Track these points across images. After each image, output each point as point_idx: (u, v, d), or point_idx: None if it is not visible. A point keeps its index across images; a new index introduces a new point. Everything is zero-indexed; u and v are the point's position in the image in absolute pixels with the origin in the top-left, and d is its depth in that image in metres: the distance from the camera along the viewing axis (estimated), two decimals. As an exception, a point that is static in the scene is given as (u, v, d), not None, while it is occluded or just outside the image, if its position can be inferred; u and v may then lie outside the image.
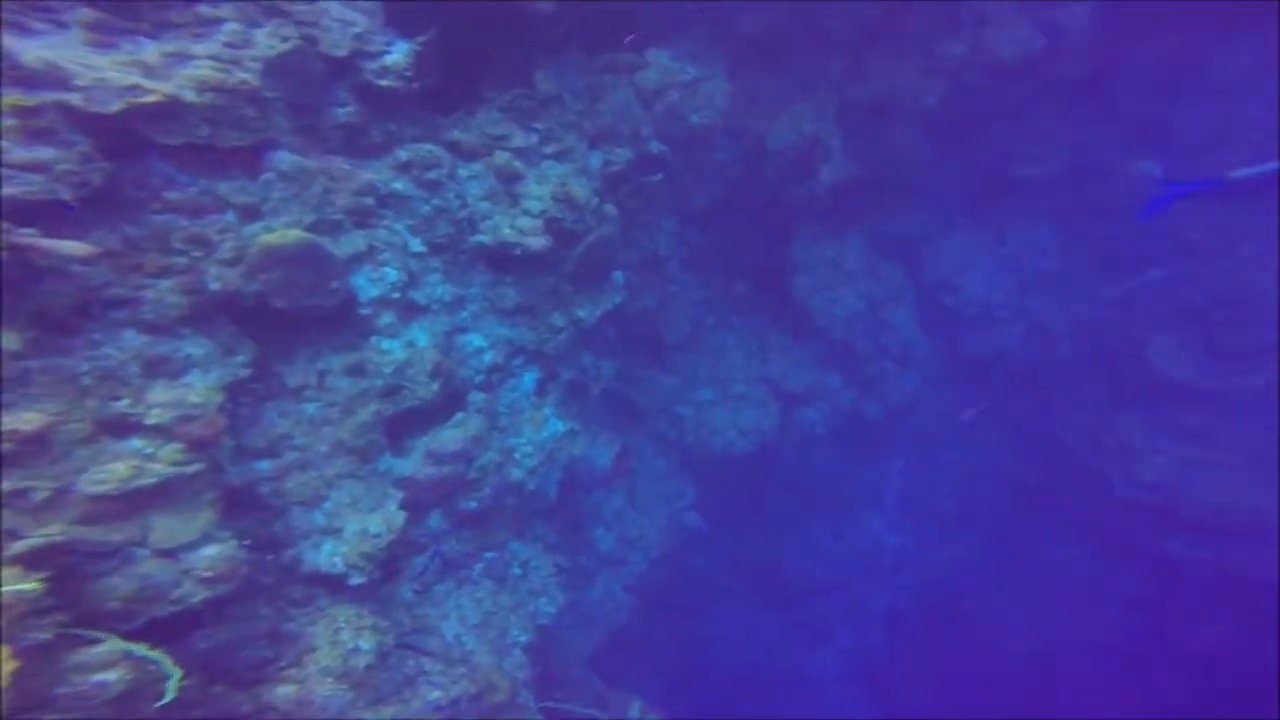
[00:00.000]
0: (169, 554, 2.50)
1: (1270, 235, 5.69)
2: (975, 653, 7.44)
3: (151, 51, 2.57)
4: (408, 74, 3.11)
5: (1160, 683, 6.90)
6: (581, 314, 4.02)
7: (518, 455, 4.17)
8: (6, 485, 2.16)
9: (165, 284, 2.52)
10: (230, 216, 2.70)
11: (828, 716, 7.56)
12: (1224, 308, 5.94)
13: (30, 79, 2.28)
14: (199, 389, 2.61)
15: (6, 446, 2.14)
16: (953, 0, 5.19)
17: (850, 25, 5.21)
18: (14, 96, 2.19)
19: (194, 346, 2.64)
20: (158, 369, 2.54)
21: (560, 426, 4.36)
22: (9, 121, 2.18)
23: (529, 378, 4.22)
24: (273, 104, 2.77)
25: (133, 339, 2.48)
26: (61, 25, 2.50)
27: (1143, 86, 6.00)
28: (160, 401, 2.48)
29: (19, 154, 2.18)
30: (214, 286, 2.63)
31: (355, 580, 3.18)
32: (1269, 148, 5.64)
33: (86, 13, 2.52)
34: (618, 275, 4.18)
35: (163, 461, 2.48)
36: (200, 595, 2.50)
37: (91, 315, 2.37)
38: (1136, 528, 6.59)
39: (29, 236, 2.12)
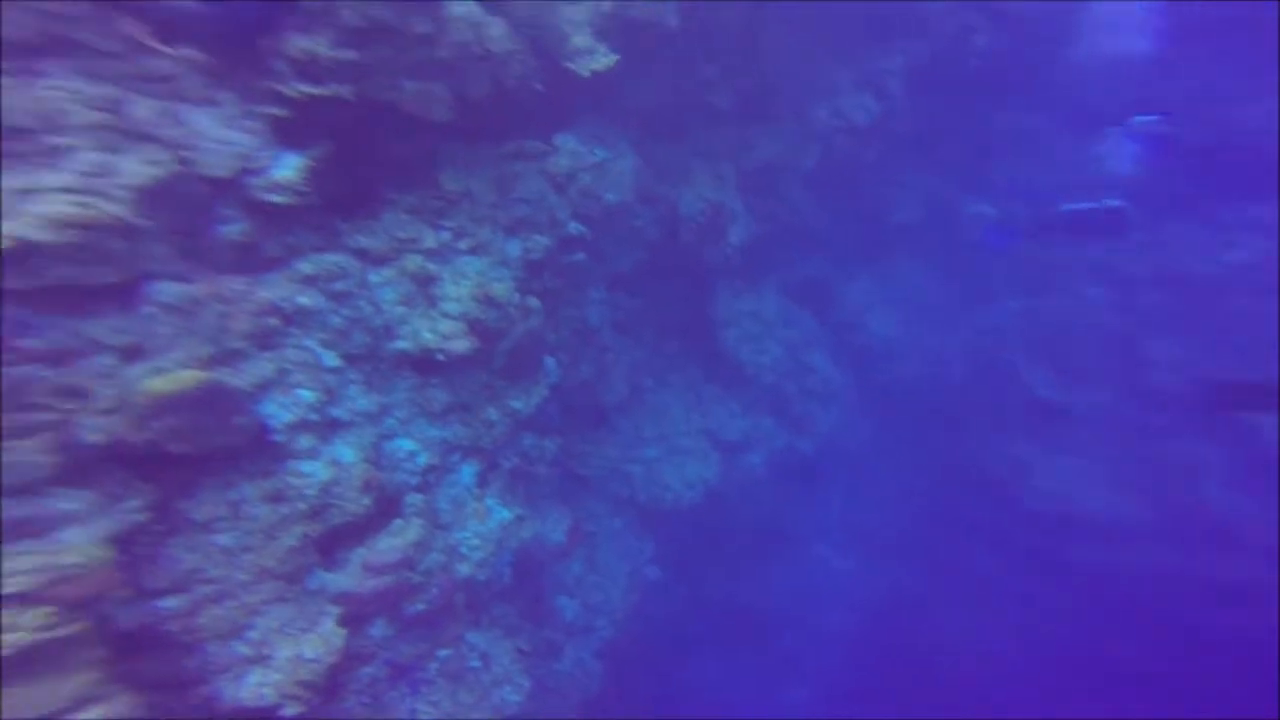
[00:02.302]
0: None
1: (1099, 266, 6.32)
2: (932, 665, 7.44)
3: None
4: (300, 189, 2.85)
5: (1093, 681, 7.10)
6: (516, 405, 3.77)
7: (464, 550, 3.81)
8: None
9: (28, 444, 2.10)
10: (108, 359, 2.31)
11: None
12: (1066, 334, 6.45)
13: None
14: (79, 548, 2.17)
15: None
16: (809, 77, 5.57)
17: (731, 99, 5.42)
18: None
19: (68, 502, 2.19)
20: (21, 531, 2.09)
21: (506, 514, 4.04)
22: None
23: (467, 471, 3.90)
24: (147, 233, 2.43)
25: None
26: None
27: (962, 143, 6.66)
28: (21, 569, 2.03)
29: None
30: (91, 439, 2.22)
31: (291, 710, 2.72)
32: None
33: None
34: (549, 361, 3.97)
35: (22, 630, 2.01)
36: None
37: None
38: (1047, 537, 6.86)
39: None
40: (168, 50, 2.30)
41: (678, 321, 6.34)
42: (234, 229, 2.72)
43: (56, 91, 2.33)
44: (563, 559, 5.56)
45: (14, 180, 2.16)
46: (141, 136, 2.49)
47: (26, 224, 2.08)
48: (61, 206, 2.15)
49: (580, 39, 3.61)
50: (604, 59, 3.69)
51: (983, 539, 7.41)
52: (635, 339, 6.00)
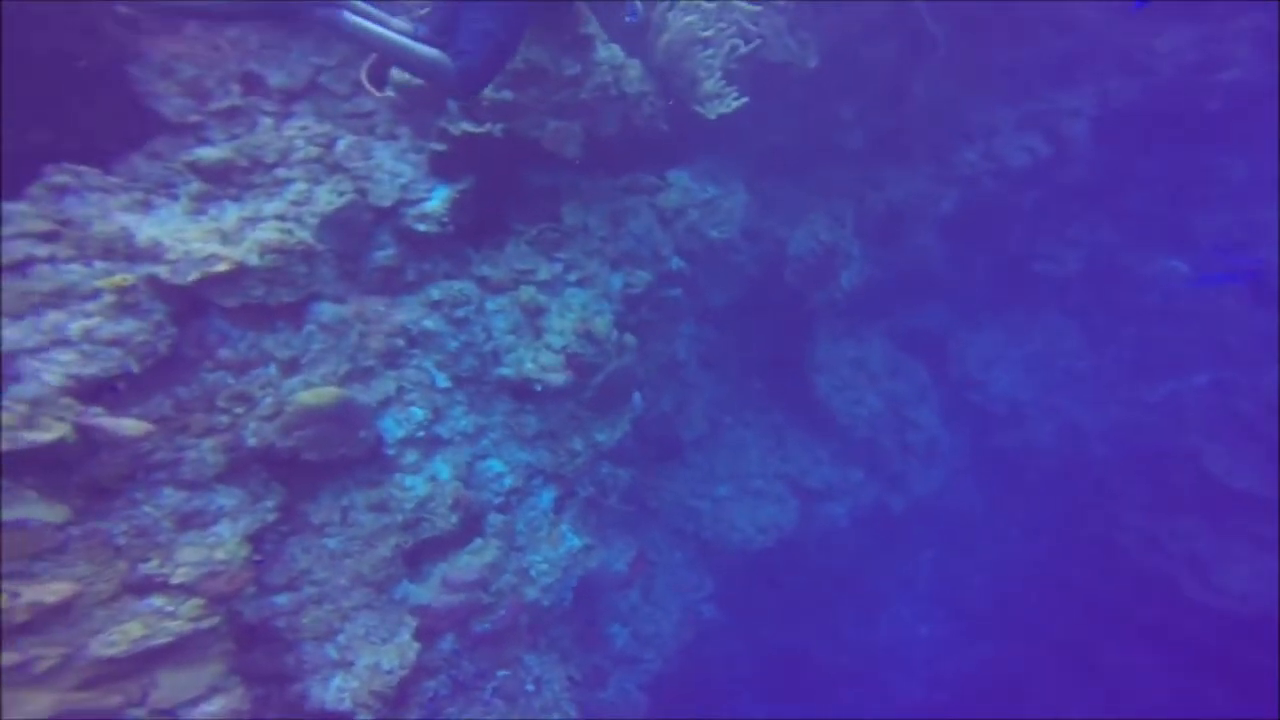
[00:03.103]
0: (168, 713, 2.51)
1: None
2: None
3: (231, 216, 2.82)
4: (444, 220, 3.30)
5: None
6: (600, 438, 4.10)
7: (533, 573, 4.19)
8: (7, 659, 2.18)
9: (207, 443, 2.64)
10: (272, 370, 2.84)
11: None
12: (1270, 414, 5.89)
13: (138, 255, 2.53)
14: (226, 545, 2.69)
15: (21, 618, 2.19)
16: (962, 116, 5.46)
17: (864, 139, 5.47)
18: (119, 277, 2.39)
19: (226, 498, 2.74)
20: (190, 523, 2.62)
21: (576, 542, 4.39)
22: (109, 298, 2.36)
23: (546, 496, 4.28)
24: (322, 256, 2.97)
25: (170, 496, 2.57)
26: (174, 198, 2.76)
27: (1155, 192, 6.18)
28: (187, 560, 2.55)
29: (107, 329, 2.35)
30: (251, 442, 2.74)
31: (362, 718, 3.15)
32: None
33: (196, 186, 2.81)
34: (636, 397, 4.27)
35: (181, 619, 2.53)
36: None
37: (136, 480, 2.47)
38: (1228, 637, 6.34)
39: (95, 416, 2.25)
40: (375, 93, 2.80)
41: (768, 360, 6.45)
42: (385, 254, 3.23)
43: (296, 131, 2.91)
44: (623, 588, 5.86)
45: (244, 209, 2.74)
46: (337, 168, 3.05)
47: (247, 249, 2.62)
48: (271, 233, 2.69)
49: (711, 84, 3.86)
50: (732, 103, 3.92)
51: (1126, 629, 6.98)
52: (720, 374, 6.19)
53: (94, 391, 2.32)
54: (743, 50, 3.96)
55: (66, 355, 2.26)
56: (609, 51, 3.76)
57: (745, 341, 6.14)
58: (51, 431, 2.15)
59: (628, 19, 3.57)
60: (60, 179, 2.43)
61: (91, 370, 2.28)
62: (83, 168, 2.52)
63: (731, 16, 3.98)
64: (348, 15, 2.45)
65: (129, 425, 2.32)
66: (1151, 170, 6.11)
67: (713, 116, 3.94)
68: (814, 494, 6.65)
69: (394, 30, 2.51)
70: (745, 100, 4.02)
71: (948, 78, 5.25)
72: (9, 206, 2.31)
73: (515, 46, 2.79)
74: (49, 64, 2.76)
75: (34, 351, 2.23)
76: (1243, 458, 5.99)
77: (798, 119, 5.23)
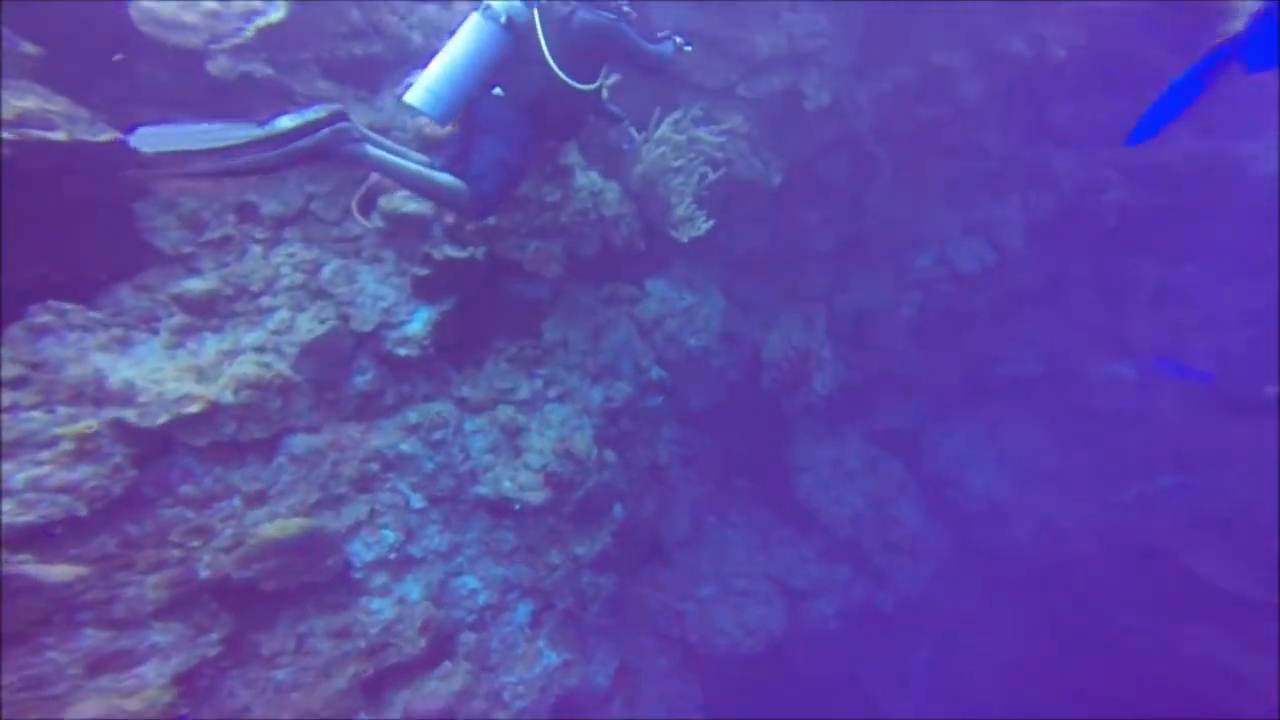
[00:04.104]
0: None
1: (1265, 449, 5.77)
2: None
3: (210, 350, 2.79)
4: (425, 343, 3.33)
5: None
6: (580, 550, 3.97)
7: (506, 696, 3.92)
8: None
9: (152, 579, 2.50)
10: (236, 502, 2.75)
11: None
12: (1246, 516, 5.88)
13: (108, 398, 2.47)
14: (146, 690, 2.45)
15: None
16: (913, 223, 5.78)
17: (831, 242, 5.73)
18: (81, 425, 2.33)
19: (161, 635, 2.55)
20: (105, 667, 2.41)
21: (554, 659, 4.15)
22: (66, 445, 2.29)
23: (523, 610, 4.08)
24: (299, 388, 2.93)
25: (89, 638, 2.38)
26: (155, 332, 2.75)
27: (1089, 294, 6.49)
28: (83, 715, 2.32)
29: (57, 477, 2.27)
30: (204, 575, 2.60)
31: None
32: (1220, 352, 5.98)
33: (178, 319, 2.80)
34: (617, 508, 4.18)
35: None
36: None
37: (52, 623, 2.30)
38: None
39: (19, 564, 2.13)
40: (364, 222, 2.87)
41: (749, 459, 6.42)
42: (364, 379, 3.22)
43: (284, 258, 2.95)
44: (605, 703, 5.50)
45: (223, 342, 2.72)
46: (320, 293, 3.08)
47: (222, 386, 2.59)
48: (248, 368, 2.67)
49: (682, 209, 4.05)
50: (702, 226, 4.11)
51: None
52: (702, 473, 6.12)
53: (26, 537, 2.20)
54: (711, 178, 4.19)
55: (4, 505, 2.15)
56: (588, 178, 3.95)
57: (727, 442, 6.13)
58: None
59: (625, 147, 3.75)
60: (43, 319, 2.43)
61: (27, 518, 2.17)
62: (67, 305, 2.52)
63: (699, 147, 4.24)
64: (370, 149, 2.58)
65: (57, 571, 2.19)
66: (1082, 274, 6.46)
67: (684, 240, 4.12)
68: (800, 593, 6.45)
69: (412, 161, 2.65)
70: (713, 223, 4.21)
71: (898, 189, 5.59)
72: (-17, 350, 2.28)
73: (525, 173, 2.99)
74: (68, 207, 2.82)
75: (-37, 503, 2.12)
76: (1223, 558, 5.92)
77: (768, 226, 5.49)
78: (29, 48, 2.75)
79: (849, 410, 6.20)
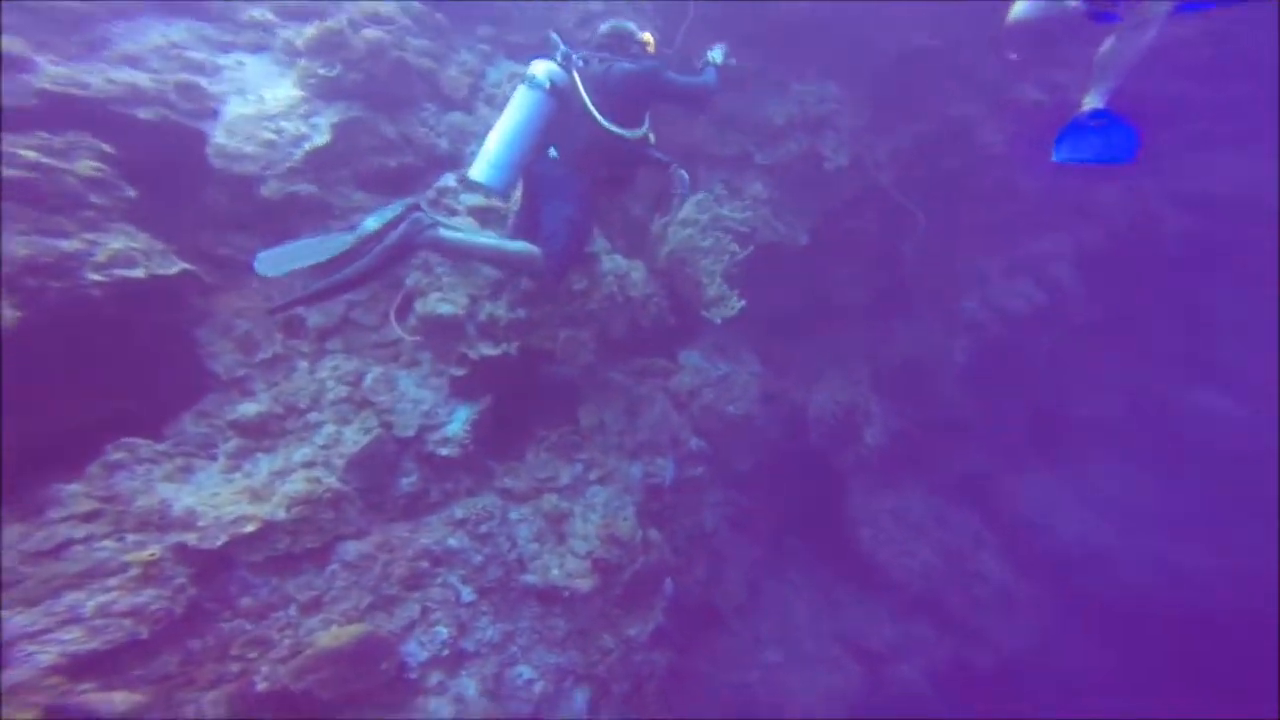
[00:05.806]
0: None
1: None
2: None
3: (263, 471, 2.92)
4: (465, 441, 3.38)
5: None
6: (632, 632, 3.82)
7: (568, 792, 3.74)
8: None
9: (210, 696, 2.54)
10: (293, 611, 2.81)
11: None
12: None
13: (171, 525, 2.60)
14: None
15: None
16: (952, 268, 5.51)
17: (866, 294, 5.52)
18: (148, 552, 2.46)
19: None
20: None
21: (614, 749, 3.95)
22: (134, 571, 2.43)
23: (579, 697, 3.92)
24: (348, 497, 3.01)
25: None
26: (214, 458, 2.92)
27: (1171, 324, 5.95)
28: None
29: (123, 603, 2.39)
30: (261, 687, 2.64)
31: None
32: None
33: (234, 443, 2.96)
34: (667, 583, 4.02)
35: None
36: None
37: None
38: None
39: (81, 693, 2.20)
40: (403, 333, 3.00)
41: (801, 517, 6.10)
42: (409, 480, 3.27)
43: (328, 372, 3.10)
44: (670, 787, 5.16)
45: (275, 462, 2.85)
46: (364, 403, 3.19)
47: (275, 504, 2.70)
48: (300, 485, 2.77)
49: (714, 289, 4.01)
50: (735, 305, 4.04)
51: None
52: (752, 536, 5.85)
53: (90, 664, 2.28)
54: (740, 256, 4.15)
55: (71, 634, 2.24)
56: (613, 262, 4.00)
57: (776, 502, 5.86)
58: (13, 721, 2.02)
59: (677, 192, 3.41)
60: (117, 456, 2.62)
61: (93, 645, 2.25)
62: (139, 441, 2.71)
63: (723, 223, 4.23)
64: (445, 232, 2.74)
65: (118, 699, 2.25)
66: (1147, 303, 5.96)
67: (718, 321, 4.06)
68: (877, 656, 5.93)
69: (485, 236, 2.81)
70: (744, 304, 4.10)
71: (932, 237, 5.37)
72: (68, 489, 2.47)
73: (591, 227, 3.14)
74: (143, 339, 3.06)
75: (35, 635, 2.21)
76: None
77: (799, 285, 5.37)
78: (130, 191, 3.01)
79: (906, 463, 5.83)
